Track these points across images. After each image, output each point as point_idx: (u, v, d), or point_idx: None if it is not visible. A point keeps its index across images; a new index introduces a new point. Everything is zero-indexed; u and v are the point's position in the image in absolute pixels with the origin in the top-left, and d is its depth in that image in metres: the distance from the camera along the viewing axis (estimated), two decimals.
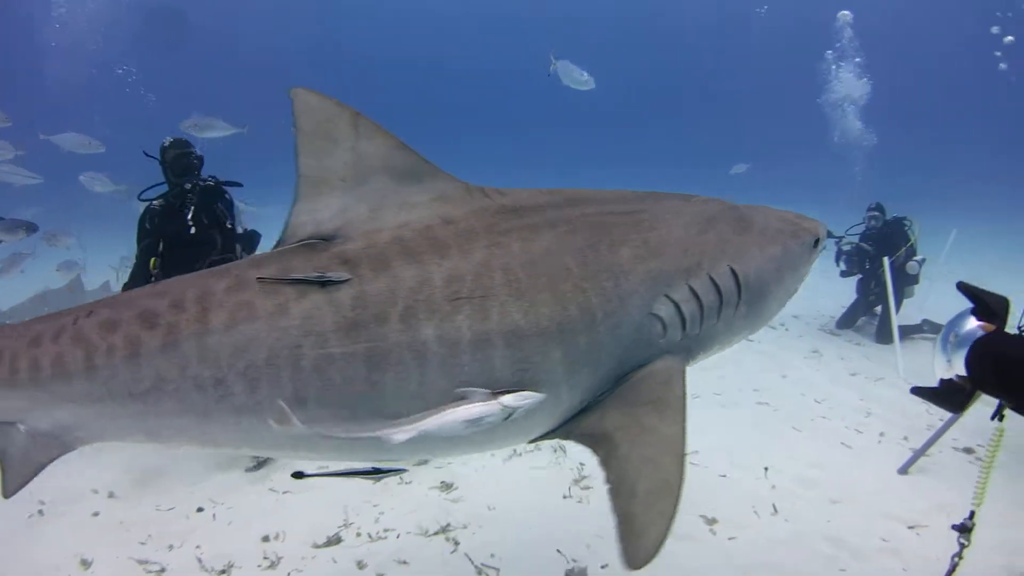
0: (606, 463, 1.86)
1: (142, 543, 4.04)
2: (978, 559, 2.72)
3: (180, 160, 5.15)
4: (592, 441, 1.95)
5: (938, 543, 3.89)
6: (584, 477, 4.70)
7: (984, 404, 1.93)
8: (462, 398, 1.77)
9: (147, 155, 5.28)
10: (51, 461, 2.05)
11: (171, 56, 38.36)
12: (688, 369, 2.13)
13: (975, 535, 2.20)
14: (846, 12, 21.29)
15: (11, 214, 8.26)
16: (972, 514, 2.20)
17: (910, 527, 4.12)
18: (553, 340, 1.88)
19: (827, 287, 10.14)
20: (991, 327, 1.89)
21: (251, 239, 5.57)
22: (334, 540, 4.01)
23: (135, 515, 4.36)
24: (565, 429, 2.05)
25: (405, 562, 3.79)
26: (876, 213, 9.42)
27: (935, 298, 9.50)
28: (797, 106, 28.32)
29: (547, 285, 1.91)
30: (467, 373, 1.83)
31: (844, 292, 9.95)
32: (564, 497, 4.48)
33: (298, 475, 2.48)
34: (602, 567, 3.70)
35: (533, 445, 5.05)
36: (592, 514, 4.26)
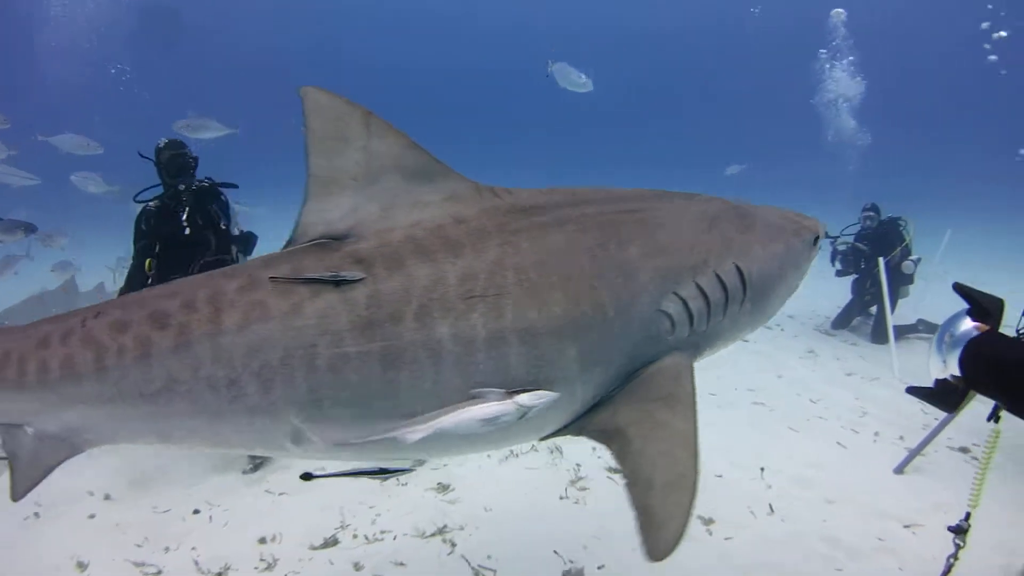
0: (621, 458, 1.86)
1: (138, 545, 4.04)
2: (975, 560, 2.72)
3: (174, 161, 5.14)
4: (605, 437, 1.95)
5: (934, 542, 3.90)
6: (580, 478, 4.70)
7: (980, 403, 1.94)
8: (477, 397, 1.78)
9: (142, 156, 5.27)
10: (59, 464, 2.03)
11: (165, 55, 38.23)
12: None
13: (971, 536, 2.21)
14: (839, 10, 21.34)
15: (6, 215, 8.25)
16: (968, 515, 2.21)
17: (906, 526, 4.13)
18: (567, 337, 1.90)
19: (822, 287, 10.16)
20: (985, 327, 1.90)
21: (248, 240, 5.56)
22: (331, 542, 4.01)
23: (131, 517, 4.35)
24: (577, 425, 2.06)
25: (402, 564, 3.79)
26: (871, 213, 9.45)
27: (930, 298, 9.55)
28: (792, 106, 28.41)
29: (559, 283, 1.92)
30: (482, 371, 1.83)
31: (839, 292, 9.97)
32: (561, 498, 4.48)
33: (306, 476, 2.48)
34: (599, 568, 3.70)
35: (530, 446, 5.08)
36: (589, 515, 4.27)
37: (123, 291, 5.17)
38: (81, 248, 11.65)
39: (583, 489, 4.58)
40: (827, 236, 8.83)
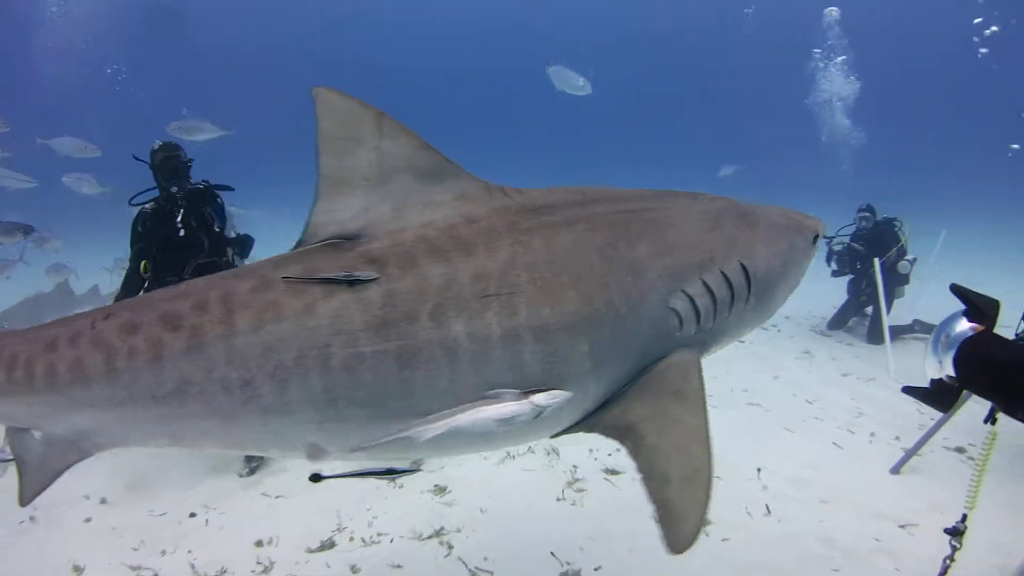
0: (635, 453, 1.88)
1: (134, 549, 4.03)
2: (971, 561, 2.73)
3: (167, 163, 5.13)
4: (618, 433, 1.98)
5: (931, 542, 3.90)
6: (577, 480, 4.70)
7: (976, 404, 1.95)
8: (492, 397, 1.79)
9: (137, 159, 5.26)
10: (68, 467, 2.02)
11: (163, 55, 38.14)
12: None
13: (967, 538, 2.22)
14: (833, 8, 21.41)
15: (1, 218, 8.25)
16: (964, 517, 2.22)
17: (902, 527, 4.14)
18: (580, 335, 1.92)
19: (818, 288, 10.17)
20: (980, 328, 1.91)
21: (244, 243, 5.56)
22: (327, 545, 4.00)
23: (127, 521, 4.34)
24: (588, 423, 2.08)
25: (399, 566, 3.79)
26: (867, 214, 9.49)
27: (926, 298, 9.59)
28: (786, 106, 28.48)
29: (572, 281, 1.94)
30: (497, 369, 1.85)
31: (835, 293, 9.99)
32: (558, 500, 4.48)
33: (315, 477, 2.48)
34: (595, 569, 3.70)
35: (527, 447, 5.08)
36: (586, 516, 4.27)
37: (120, 293, 5.17)
38: (75, 250, 11.62)
39: (580, 491, 4.58)
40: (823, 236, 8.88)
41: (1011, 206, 24.17)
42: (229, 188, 5.52)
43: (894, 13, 40.48)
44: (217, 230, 5.26)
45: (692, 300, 2.11)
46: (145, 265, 5.04)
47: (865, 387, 7.03)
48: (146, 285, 5.01)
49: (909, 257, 9.03)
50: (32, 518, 4.35)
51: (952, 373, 1.92)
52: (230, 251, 5.36)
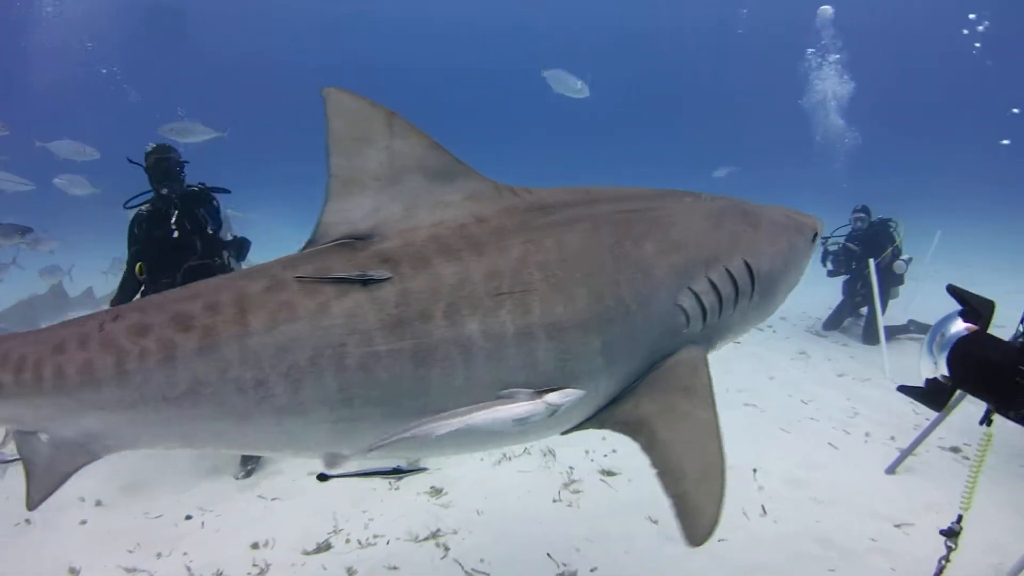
0: (649, 448, 1.91)
1: (130, 551, 4.02)
2: (967, 560, 2.74)
3: (159, 166, 5.12)
4: (629, 428, 2.01)
5: (926, 542, 3.91)
6: (574, 481, 4.70)
7: (972, 404, 1.96)
8: (506, 397, 1.80)
9: (131, 162, 5.25)
10: (76, 470, 2.01)
11: (166, 56, 38.03)
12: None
13: (963, 538, 2.23)
14: (827, 7, 21.46)
15: None
16: (960, 518, 2.23)
17: (898, 526, 4.14)
18: (592, 332, 1.95)
19: (813, 289, 10.19)
20: (975, 328, 1.92)
21: (241, 246, 5.55)
22: (324, 547, 3.99)
23: (123, 523, 4.33)
24: (599, 418, 2.11)
25: (395, 568, 3.78)
26: (862, 215, 9.51)
27: (921, 298, 9.60)
28: (780, 107, 28.51)
29: (583, 279, 1.97)
30: (512, 367, 1.87)
31: (830, 294, 10.01)
32: (554, 501, 4.48)
33: (323, 477, 2.48)
34: (592, 570, 3.70)
35: (523, 449, 5.08)
36: (582, 517, 4.27)
37: (116, 295, 5.16)
38: (71, 251, 11.59)
39: (576, 492, 4.58)
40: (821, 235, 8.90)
41: (1008, 206, 24.20)
42: (225, 191, 5.51)
43: (887, 10, 40.48)
44: (211, 232, 5.24)
45: (698, 297, 2.14)
46: (140, 267, 5.03)
47: (860, 387, 7.04)
48: (143, 288, 5.01)
49: (905, 257, 9.06)
50: (28, 520, 4.33)
51: (946, 373, 1.93)
52: (226, 254, 5.35)
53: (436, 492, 4.56)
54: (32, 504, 2.05)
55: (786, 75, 23.96)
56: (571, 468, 4.86)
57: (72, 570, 3.84)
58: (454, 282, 1.87)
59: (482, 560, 3.82)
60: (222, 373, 1.81)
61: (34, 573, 3.84)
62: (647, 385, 2.07)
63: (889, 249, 9.03)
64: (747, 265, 2.27)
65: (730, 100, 47.36)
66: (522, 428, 1.81)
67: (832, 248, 9.62)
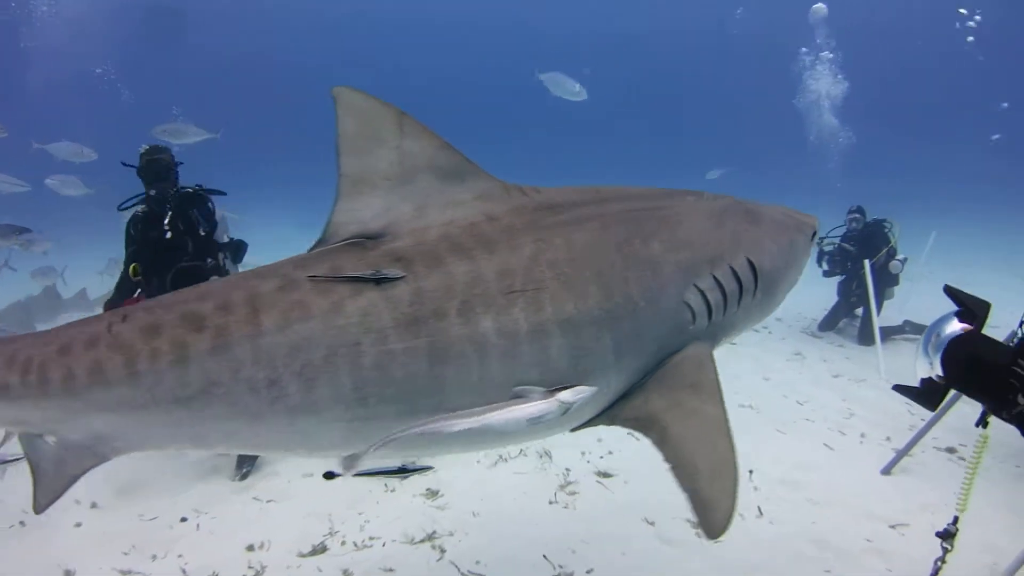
0: (660, 444, 1.93)
1: (125, 553, 4.00)
2: (963, 560, 2.74)
3: (151, 167, 5.11)
4: (639, 424, 2.03)
5: (922, 543, 3.91)
6: (570, 483, 4.70)
7: (967, 405, 1.97)
8: (520, 396, 1.81)
9: (125, 164, 5.24)
10: (84, 473, 2.01)
11: (166, 56, 37.92)
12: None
13: (959, 539, 2.23)
14: (820, 5, 21.51)
15: None
16: (956, 519, 2.23)
17: (893, 527, 4.16)
18: (604, 329, 1.97)
19: (809, 290, 10.20)
20: (970, 328, 1.93)
21: (237, 248, 5.53)
22: (319, 549, 3.99)
23: (118, 525, 4.32)
24: (609, 415, 2.12)
25: (391, 570, 3.78)
26: (857, 215, 9.52)
27: (916, 299, 9.63)
28: (775, 108, 28.56)
29: (593, 277, 1.99)
30: (525, 364, 1.88)
31: (826, 295, 10.02)
32: (550, 503, 4.47)
33: (329, 475, 2.48)
34: (588, 572, 3.70)
35: (519, 450, 5.07)
36: (578, 519, 4.27)
37: (113, 296, 5.14)
38: (63, 253, 11.54)
39: (572, 494, 4.57)
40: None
41: (1004, 205, 24.25)
42: (221, 192, 5.50)
43: (880, 8, 40.51)
44: (203, 234, 5.23)
45: (704, 294, 2.18)
46: (135, 268, 5.02)
47: (856, 388, 7.06)
48: (139, 291, 4.99)
49: (900, 257, 9.07)
50: (22, 523, 4.31)
51: (941, 373, 1.93)
52: (222, 255, 5.33)
53: (432, 494, 4.56)
54: (39, 508, 2.05)
55: (780, 75, 24.01)
56: (567, 470, 4.85)
57: (67, 572, 3.82)
58: (467, 280, 1.89)
59: (478, 562, 3.82)
60: (235, 373, 1.80)
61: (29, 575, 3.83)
62: (655, 381, 2.10)
63: (884, 250, 9.05)
64: (750, 263, 2.31)
65: (724, 101, 47.43)
66: (535, 426, 1.82)
67: (828, 248, 9.64)
